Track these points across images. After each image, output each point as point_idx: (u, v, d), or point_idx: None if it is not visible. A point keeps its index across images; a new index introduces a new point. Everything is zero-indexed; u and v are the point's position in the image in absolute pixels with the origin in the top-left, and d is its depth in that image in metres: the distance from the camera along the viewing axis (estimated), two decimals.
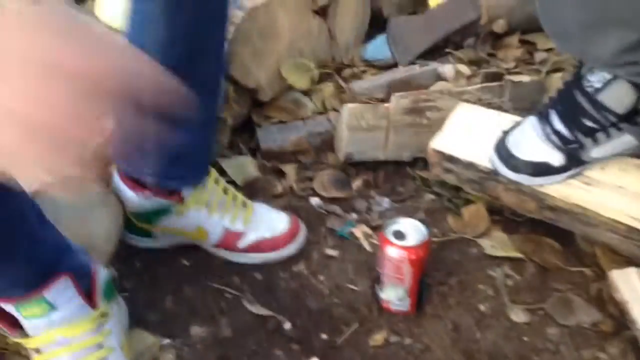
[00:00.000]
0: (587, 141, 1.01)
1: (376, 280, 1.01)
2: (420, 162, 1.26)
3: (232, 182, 1.19)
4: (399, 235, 0.96)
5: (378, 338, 0.98)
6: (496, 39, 1.54)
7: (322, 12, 1.47)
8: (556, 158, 1.02)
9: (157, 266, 1.07)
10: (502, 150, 1.04)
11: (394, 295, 0.99)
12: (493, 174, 1.07)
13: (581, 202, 1.01)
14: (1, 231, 0.71)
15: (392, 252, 0.94)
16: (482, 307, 1.02)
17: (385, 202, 1.20)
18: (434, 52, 1.52)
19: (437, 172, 1.14)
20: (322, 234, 1.14)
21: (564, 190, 1.03)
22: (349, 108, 1.23)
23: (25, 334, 0.81)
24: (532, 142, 1.03)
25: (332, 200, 1.20)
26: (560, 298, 1.03)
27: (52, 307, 0.79)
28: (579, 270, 1.07)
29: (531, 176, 1.03)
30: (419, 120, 1.21)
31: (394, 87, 1.39)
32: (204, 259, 1.09)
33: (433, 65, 1.45)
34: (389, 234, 0.96)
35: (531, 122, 1.05)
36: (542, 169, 1.03)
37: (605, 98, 0.97)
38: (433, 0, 1.55)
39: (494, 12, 1.52)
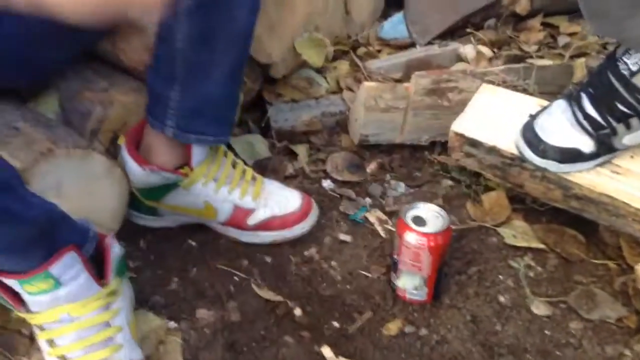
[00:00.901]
0: (619, 127, 0.96)
1: (391, 268, 0.97)
2: (438, 146, 1.21)
3: (241, 160, 1.14)
4: (419, 221, 0.91)
5: (392, 327, 0.94)
6: (518, 20, 1.48)
7: None
8: (586, 144, 0.97)
9: (163, 246, 1.03)
10: (529, 134, 0.99)
11: (411, 283, 0.94)
12: (519, 160, 1.02)
13: (609, 192, 0.97)
14: None
15: (411, 238, 0.90)
16: (502, 299, 0.98)
17: (401, 186, 1.16)
18: (453, 33, 1.47)
19: (457, 157, 1.09)
20: (335, 218, 1.10)
21: (591, 178, 0.98)
22: (366, 87, 1.17)
23: (29, 310, 0.78)
24: (562, 126, 0.98)
25: (345, 183, 1.16)
26: (583, 291, 0.99)
27: (57, 282, 0.75)
28: (603, 263, 1.03)
29: (559, 163, 0.98)
30: (439, 102, 1.16)
31: (412, 67, 1.34)
32: (211, 240, 1.04)
33: (453, 45, 1.40)
34: (408, 219, 0.91)
35: (560, 106, 0.99)
36: (571, 156, 0.98)
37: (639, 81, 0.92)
38: None
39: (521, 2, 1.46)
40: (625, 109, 0.94)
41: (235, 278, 0.99)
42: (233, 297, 0.96)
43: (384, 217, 1.10)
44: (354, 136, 1.22)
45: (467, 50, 1.38)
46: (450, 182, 1.17)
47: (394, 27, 1.48)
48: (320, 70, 1.36)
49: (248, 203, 1.01)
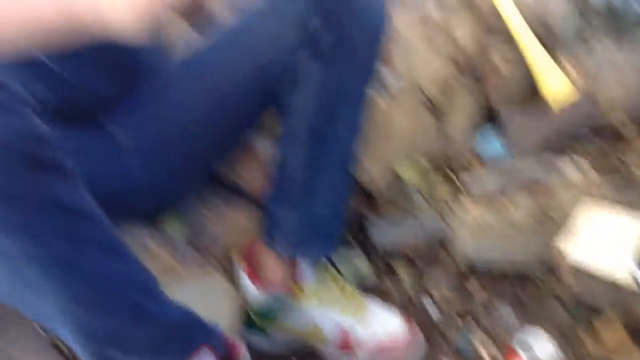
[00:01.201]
0: None
1: None
2: (551, 274, 1.17)
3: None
4: (529, 350, 0.88)
5: None
6: (624, 142, 1.46)
7: (434, 110, 1.47)
8: None
9: None
10: None
11: None
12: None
13: None
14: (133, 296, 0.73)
15: None
16: None
17: (511, 315, 1.12)
18: (552, 148, 1.46)
19: (568, 282, 1.06)
20: (440, 345, 1.07)
21: None
22: (466, 206, 1.18)
23: None
24: None
25: (451, 307, 1.14)
26: None
27: None
28: None
29: None
30: (542, 221, 1.15)
31: (511, 185, 1.34)
32: None
33: (554, 163, 1.39)
34: (518, 349, 0.89)
35: None
36: None
37: None
38: (554, 104, 1.50)
39: (614, 107, 1.45)
40: None
41: None
42: None
43: (494, 346, 1.06)
44: (458, 257, 1.21)
45: (567, 165, 1.36)
46: (565, 314, 1.11)
47: (490, 143, 1.50)
48: (418, 188, 1.39)
49: (350, 322, 1.02)
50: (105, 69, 0.92)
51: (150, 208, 1.07)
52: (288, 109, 0.98)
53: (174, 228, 1.11)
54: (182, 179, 1.06)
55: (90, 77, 0.91)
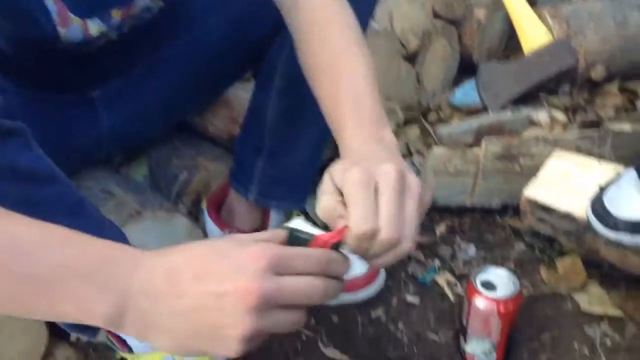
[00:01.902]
0: None
1: (460, 332, 0.96)
2: (510, 209, 1.20)
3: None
4: (489, 285, 0.91)
5: None
6: (594, 86, 1.47)
7: (411, 58, 1.47)
8: None
9: None
10: (598, 208, 0.98)
11: (480, 349, 0.93)
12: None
13: None
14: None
15: (481, 303, 0.89)
16: None
17: (472, 249, 1.15)
18: (526, 98, 1.48)
19: (529, 222, 1.08)
20: (402, 279, 1.10)
21: None
22: (435, 152, 1.20)
23: (132, 352, 0.83)
24: (631, 198, 0.96)
25: (415, 245, 1.16)
26: None
27: None
28: None
29: (632, 234, 0.96)
30: (510, 167, 1.17)
31: (483, 133, 1.35)
32: None
33: (525, 110, 1.40)
34: (477, 284, 0.91)
35: (630, 177, 0.98)
36: None
37: None
38: (527, 47, 1.51)
39: (592, 58, 1.46)
40: None
41: (303, 337, 1.01)
42: (300, 355, 0.98)
43: (453, 280, 1.09)
44: None
45: (541, 115, 1.38)
46: (522, 246, 1.15)
47: (466, 94, 1.51)
48: None
49: None
50: None
51: (117, 153, 1.09)
52: (269, 57, 0.98)
53: (140, 174, 1.13)
54: (153, 127, 1.07)
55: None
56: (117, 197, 0.98)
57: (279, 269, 0.49)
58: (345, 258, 0.56)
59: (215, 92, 1.14)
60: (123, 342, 0.82)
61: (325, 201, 0.59)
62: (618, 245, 0.98)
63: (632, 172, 0.98)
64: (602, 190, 1.00)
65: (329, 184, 0.60)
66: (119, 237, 0.78)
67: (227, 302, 0.47)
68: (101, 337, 0.86)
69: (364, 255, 0.59)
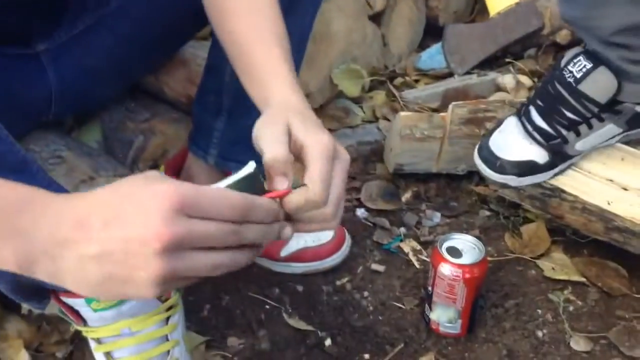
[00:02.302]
0: (569, 135, 0.97)
1: (425, 299, 0.95)
2: (476, 176, 1.19)
3: None
4: (454, 252, 0.90)
5: None
6: (559, 50, 1.46)
7: (376, 19, 1.43)
8: (540, 155, 0.98)
9: None
10: (484, 153, 1.01)
11: (445, 316, 0.93)
12: (559, 191, 1.00)
13: None
14: None
15: (446, 269, 0.88)
16: (539, 333, 0.95)
17: (437, 216, 1.14)
18: (492, 62, 1.46)
19: (495, 187, 1.07)
20: (368, 247, 1.09)
21: (634, 211, 0.95)
22: (402, 117, 1.17)
23: (87, 325, 0.79)
24: (515, 141, 0.99)
25: (380, 212, 1.15)
26: (625, 327, 0.95)
27: None
28: None
29: (518, 176, 0.99)
30: (477, 132, 1.15)
31: (449, 97, 1.34)
32: (244, 268, 1.04)
33: (492, 75, 1.39)
34: (442, 250, 0.90)
35: (511, 122, 1.01)
36: (528, 168, 0.99)
37: (585, 87, 0.95)
38: (493, 9, 1.49)
39: (557, 22, 1.44)
40: (573, 116, 0.96)
41: (267, 306, 0.99)
42: (264, 326, 0.96)
43: (419, 247, 1.08)
44: (389, 165, 1.21)
45: (506, 80, 1.37)
46: (487, 213, 1.15)
47: (432, 57, 1.48)
48: (356, 100, 1.36)
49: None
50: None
51: (68, 115, 1.03)
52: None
53: (93, 139, 1.07)
54: (104, 86, 1.01)
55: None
56: (68, 162, 0.93)
57: (189, 211, 0.47)
58: (274, 204, 0.54)
59: (168, 49, 1.08)
60: (77, 315, 0.79)
61: (278, 151, 0.58)
62: (583, 207, 0.98)
63: (512, 119, 1.02)
64: (486, 136, 1.03)
65: (283, 133, 0.59)
66: None
67: (135, 246, 0.46)
68: (52, 310, 0.82)
69: (291, 219, 0.58)
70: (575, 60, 0.95)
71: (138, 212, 0.46)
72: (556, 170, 1.00)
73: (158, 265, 0.46)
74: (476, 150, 1.03)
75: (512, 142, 1.00)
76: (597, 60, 0.95)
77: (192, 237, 0.46)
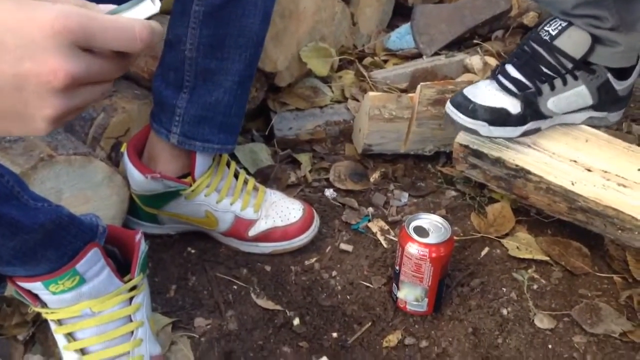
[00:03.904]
0: (544, 87, 1.01)
1: (393, 279, 0.96)
2: (443, 156, 1.20)
3: (243, 169, 1.14)
4: (421, 231, 0.90)
5: (392, 339, 0.93)
6: (526, 32, 1.48)
7: None
8: (513, 104, 1.01)
9: (162, 254, 1.02)
10: (458, 99, 1.03)
11: (412, 295, 0.93)
12: (524, 172, 1.01)
13: (615, 205, 0.95)
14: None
15: (413, 249, 0.89)
16: (504, 311, 0.96)
17: (404, 196, 1.15)
18: (460, 43, 1.46)
19: (461, 168, 1.08)
20: (337, 227, 1.09)
21: (597, 191, 0.97)
22: (370, 97, 1.17)
23: (46, 307, 0.78)
24: (489, 91, 1.02)
25: (348, 192, 1.15)
26: (587, 305, 0.97)
27: (82, 279, 0.75)
28: (608, 277, 1.01)
29: (489, 124, 1.01)
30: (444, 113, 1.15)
31: (417, 78, 1.34)
32: (211, 248, 1.04)
33: (459, 56, 1.39)
34: (410, 230, 0.90)
35: (485, 81, 1.05)
36: (499, 116, 1.01)
37: (560, 43, 0.98)
38: None
39: (525, 4, 1.45)
40: (548, 71, 1.00)
41: (234, 287, 0.98)
42: (231, 306, 0.95)
43: (387, 227, 1.09)
44: (358, 145, 1.21)
45: (474, 61, 1.37)
46: (454, 193, 1.16)
47: (401, 37, 1.48)
48: (325, 80, 1.35)
49: (249, 214, 1.01)
50: None
51: None
52: None
53: None
54: None
55: None
56: (25, 140, 0.90)
57: (83, 43, 0.43)
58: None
59: None
60: (35, 297, 0.76)
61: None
62: (547, 187, 0.99)
63: (486, 80, 1.05)
64: (462, 90, 1.05)
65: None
66: (17, 182, 0.70)
67: (30, 83, 0.42)
68: (9, 292, 0.79)
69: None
70: (551, 21, 1.00)
71: (32, 46, 0.41)
72: (525, 127, 1.02)
73: (53, 103, 0.43)
74: (449, 101, 1.05)
75: (486, 91, 1.03)
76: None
77: (89, 75, 0.43)
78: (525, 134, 1.03)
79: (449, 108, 1.03)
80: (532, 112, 1.01)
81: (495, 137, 1.02)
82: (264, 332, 0.92)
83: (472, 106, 1.00)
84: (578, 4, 0.94)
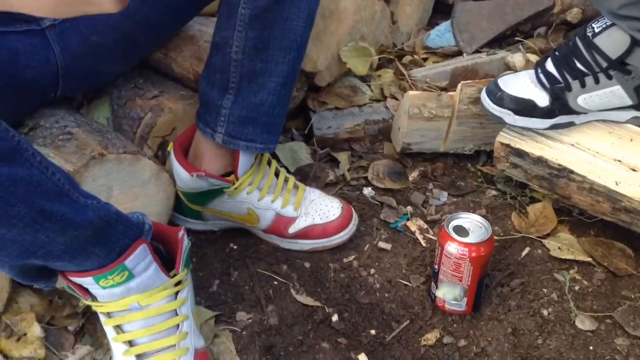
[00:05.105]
0: (574, 84, 1.00)
1: (431, 277, 0.96)
2: (483, 155, 1.19)
3: (283, 168, 1.15)
4: (461, 230, 0.91)
5: (430, 337, 0.93)
6: (569, 29, 1.45)
7: None
8: (541, 97, 1.02)
9: (206, 249, 1.05)
10: (491, 85, 1.05)
11: (451, 294, 0.93)
12: (567, 171, 1.00)
13: None
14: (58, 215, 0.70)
15: (452, 248, 0.89)
16: (545, 312, 0.96)
17: (444, 195, 1.15)
18: (501, 41, 1.45)
19: (502, 167, 1.08)
20: (375, 225, 1.10)
21: None
22: (410, 96, 1.17)
23: (96, 300, 0.81)
24: (522, 81, 1.04)
25: (387, 191, 1.16)
26: (630, 307, 0.96)
27: (131, 274, 0.78)
28: None
29: (514, 114, 1.02)
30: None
31: (458, 76, 1.33)
32: (253, 245, 1.06)
33: (501, 53, 1.38)
34: (449, 229, 0.90)
35: (528, 72, 1.06)
36: (526, 107, 1.02)
37: (600, 41, 0.98)
38: None
39: (568, 0, 1.43)
40: (582, 67, 1.00)
41: (275, 282, 1.00)
42: (272, 302, 0.97)
43: (425, 226, 1.09)
44: (397, 144, 1.22)
45: (516, 58, 1.36)
46: (494, 193, 1.15)
47: (441, 35, 1.47)
48: (364, 79, 1.36)
49: (289, 212, 1.03)
50: None
51: (76, 91, 1.03)
52: None
53: (103, 115, 1.07)
54: (110, 61, 1.01)
55: None
56: (78, 138, 0.93)
57: None
58: None
59: (174, 25, 1.08)
60: (85, 290, 0.80)
61: None
62: (591, 187, 0.98)
63: (531, 70, 1.06)
64: (498, 77, 1.07)
65: None
66: (68, 180, 0.74)
67: None
68: (60, 285, 0.83)
69: None
70: (600, 18, 1.00)
71: None
72: (554, 121, 1.03)
73: None
74: (487, 84, 1.08)
75: (519, 81, 1.04)
76: None
77: None
78: (554, 127, 1.03)
79: (482, 93, 1.07)
80: (560, 106, 1.02)
81: (521, 127, 1.04)
82: (303, 327, 0.94)
83: (500, 94, 1.03)
84: (625, 4, 0.93)
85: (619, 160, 1.00)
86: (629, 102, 1.01)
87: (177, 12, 1.03)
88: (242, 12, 0.91)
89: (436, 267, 0.93)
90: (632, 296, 0.97)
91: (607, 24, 0.98)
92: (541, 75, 1.02)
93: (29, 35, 0.89)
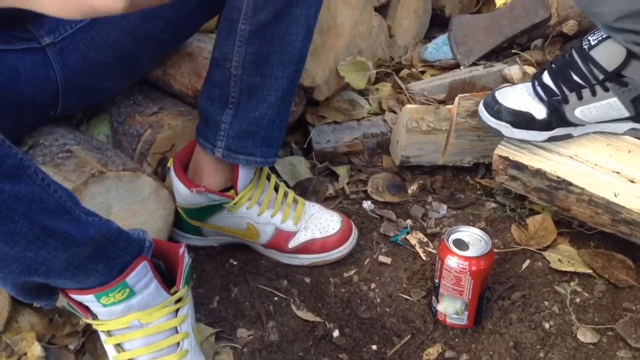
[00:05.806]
0: (571, 96, 1.01)
1: (432, 291, 0.96)
2: (482, 168, 1.19)
3: (283, 182, 1.16)
4: (460, 244, 0.91)
5: (432, 352, 0.93)
6: (565, 41, 1.46)
7: (382, 10, 1.43)
8: (539, 110, 1.02)
9: (205, 265, 1.05)
10: (489, 98, 1.06)
11: (452, 308, 0.93)
12: (565, 183, 1.00)
13: None
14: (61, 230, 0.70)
15: (452, 262, 0.89)
16: (546, 325, 0.95)
17: (443, 209, 1.15)
18: (498, 53, 1.46)
19: (501, 180, 1.08)
20: (375, 239, 1.10)
21: None
22: (408, 109, 1.17)
23: (97, 318, 0.81)
24: (519, 94, 1.04)
25: (386, 204, 1.16)
26: (632, 319, 0.96)
27: (132, 291, 0.78)
28: None
29: (512, 126, 1.03)
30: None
31: (455, 89, 1.34)
32: (252, 260, 1.06)
33: (498, 66, 1.38)
34: (449, 243, 0.90)
35: (526, 85, 1.06)
36: (523, 119, 1.03)
37: (596, 53, 0.99)
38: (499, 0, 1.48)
39: (564, 12, 1.44)
40: (578, 79, 1.00)
41: (275, 298, 1.00)
42: (272, 317, 0.97)
43: (425, 239, 1.09)
44: (396, 157, 1.22)
45: (513, 71, 1.36)
46: (493, 205, 1.15)
47: (438, 48, 1.48)
48: (363, 93, 1.36)
49: (289, 226, 1.03)
50: None
51: (76, 109, 1.03)
52: (229, 3, 0.92)
53: (102, 132, 1.08)
54: (110, 79, 1.02)
55: None
56: (77, 156, 0.94)
57: None
58: None
59: (174, 42, 1.09)
60: (86, 309, 0.80)
61: None
62: (590, 199, 0.98)
63: (528, 83, 1.06)
64: (495, 90, 1.08)
65: None
66: (69, 197, 0.74)
67: None
68: (60, 304, 0.83)
69: None
70: (596, 31, 1.01)
71: None
72: (551, 133, 1.03)
73: None
74: (482, 99, 1.09)
75: (517, 94, 1.05)
76: None
77: None
78: (552, 139, 1.04)
79: (480, 106, 1.07)
80: (557, 118, 1.02)
81: (519, 140, 1.05)
82: (304, 343, 0.94)
83: (497, 107, 1.04)
84: (620, 17, 0.93)
85: (618, 172, 1.00)
86: (626, 114, 1.02)
87: (177, 29, 1.03)
88: (241, 27, 0.92)
89: (437, 281, 0.93)
90: (634, 308, 0.97)
91: (603, 36, 0.98)
92: (538, 88, 1.03)
93: (29, 53, 0.90)
